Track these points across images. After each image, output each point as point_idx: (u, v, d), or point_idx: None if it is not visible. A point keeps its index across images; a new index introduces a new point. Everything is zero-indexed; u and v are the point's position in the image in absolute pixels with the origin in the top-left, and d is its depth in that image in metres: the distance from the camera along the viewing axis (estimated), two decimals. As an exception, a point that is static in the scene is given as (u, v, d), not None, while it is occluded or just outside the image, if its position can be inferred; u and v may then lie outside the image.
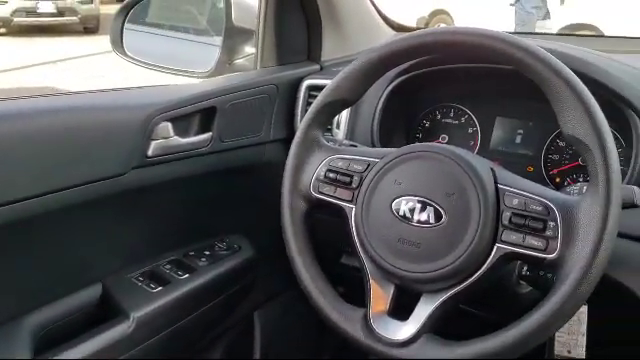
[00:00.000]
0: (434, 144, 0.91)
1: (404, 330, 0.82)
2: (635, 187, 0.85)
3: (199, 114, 1.20)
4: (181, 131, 1.16)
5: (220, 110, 1.22)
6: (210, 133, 1.21)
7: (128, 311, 1.10)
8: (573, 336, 0.98)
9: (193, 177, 1.23)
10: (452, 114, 1.28)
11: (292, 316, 1.59)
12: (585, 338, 0.98)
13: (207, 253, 1.29)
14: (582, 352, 0.99)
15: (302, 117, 1.19)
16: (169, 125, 1.13)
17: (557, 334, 0.99)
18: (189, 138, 1.18)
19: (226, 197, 1.35)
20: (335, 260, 1.38)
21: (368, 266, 0.87)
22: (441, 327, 0.83)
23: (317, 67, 1.45)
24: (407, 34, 0.89)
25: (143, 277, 1.19)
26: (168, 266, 1.23)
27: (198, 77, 1.44)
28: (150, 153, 1.10)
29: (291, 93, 1.38)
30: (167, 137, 1.13)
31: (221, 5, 1.52)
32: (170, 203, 1.24)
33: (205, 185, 1.28)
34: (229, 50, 1.51)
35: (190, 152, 1.18)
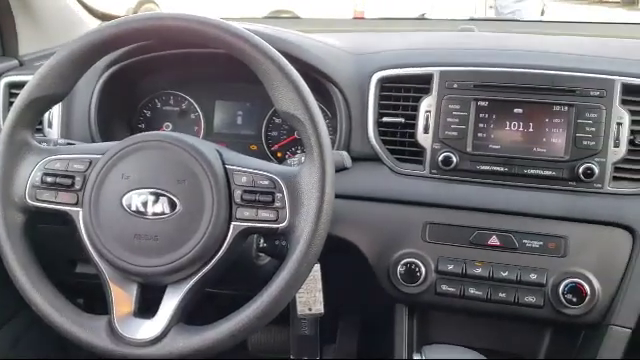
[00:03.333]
0: (158, 132, 0.89)
1: (153, 327, 0.80)
2: (344, 152, 0.96)
3: None
4: None
5: None
6: None
7: None
8: (311, 294, 1.08)
9: None
10: (172, 101, 1.28)
11: (27, 341, 1.42)
12: (322, 294, 1.08)
13: None
14: (321, 307, 1.09)
15: (4, 119, 1.06)
16: None
17: (297, 295, 1.07)
18: None
19: None
20: (69, 271, 1.28)
21: (106, 270, 0.83)
22: (192, 315, 0.83)
23: (15, 62, 1.32)
24: (112, 21, 0.85)
25: None
26: None
27: None
28: None
29: None
30: None
31: None
32: None
33: None
34: None
35: None
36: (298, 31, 1.22)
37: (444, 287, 1.04)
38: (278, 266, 0.80)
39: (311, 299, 1.07)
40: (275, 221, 0.80)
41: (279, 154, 1.25)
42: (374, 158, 1.09)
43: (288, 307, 1.08)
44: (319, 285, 1.07)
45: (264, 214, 0.81)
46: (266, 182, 0.81)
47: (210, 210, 0.80)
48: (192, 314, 0.84)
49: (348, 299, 1.39)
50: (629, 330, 1.00)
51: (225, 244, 0.81)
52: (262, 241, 1.00)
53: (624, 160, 1.00)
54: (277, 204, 0.80)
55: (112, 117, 1.21)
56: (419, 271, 1.04)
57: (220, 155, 0.84)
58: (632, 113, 0.99)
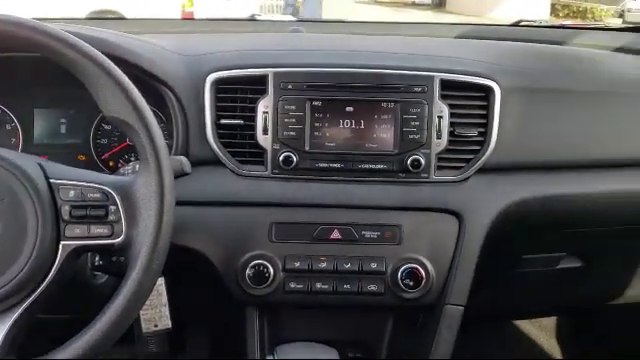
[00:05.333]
0: None
1: None
2: (182, 157, 0.92)
3: None
4: None
5: None
6: None
7: None
8: (156, 309, 1.03)
9: None
10: None
11: None
12: (167, 308, 1.04)
13: None
14: (168, 322, 1.05)
15: None
16: None
17: (141, 312, 1.02)
18: None
19: None
20: None
21: None
22: (23, 347, 0.76)
23: None
24: None
25: None
26: None
27: None
28: None
29: None
30: None
31: None
32: None
33: None
34: None
35: None
36: (124, 32, 1.15)
37: (292, 285, 1.05)
38: (117, 284, 0.75)
39: (156, 315, 1.03)
40: (110, 236, 0.75)
41: (111, 163, 1.18)
42: (215, 161, 1.07)
43: (132, 325, 1.03)
44: (164, 299, 1.03)
45: (97, 230, 0.75)
46: (97, 195, 0.76)
47: (34, 231, 0.73)
48: (23, 346, 0.76)
49: (197, 308, 1.35)
50: (462, 307, 1.09)
51: (54, 266, 0.75)
52: (97, 258, 0.94)
53: (446, 150, 1.08)
54: (111, 218, 0.75)
55: None
56: (267, 272, 1.04)
57: (42, 169, 0.77)
58: (451, 107, 1.07)
